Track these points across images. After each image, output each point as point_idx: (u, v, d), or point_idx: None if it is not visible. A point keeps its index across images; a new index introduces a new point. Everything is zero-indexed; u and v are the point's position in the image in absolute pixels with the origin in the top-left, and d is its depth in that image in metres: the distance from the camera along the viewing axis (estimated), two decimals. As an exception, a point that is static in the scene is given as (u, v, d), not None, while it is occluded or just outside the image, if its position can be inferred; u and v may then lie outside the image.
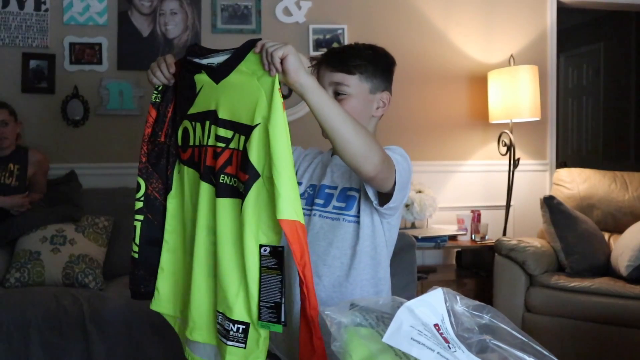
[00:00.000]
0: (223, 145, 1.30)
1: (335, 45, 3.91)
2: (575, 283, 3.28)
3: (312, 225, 1.52)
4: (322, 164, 1.62)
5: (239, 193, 1.26)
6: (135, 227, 1.45)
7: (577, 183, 3.87)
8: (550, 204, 3.53)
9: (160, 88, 1.43)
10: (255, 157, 1.23)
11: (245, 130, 1.26)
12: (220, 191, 1.29)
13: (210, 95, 1.32)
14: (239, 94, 1.27)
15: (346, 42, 3.90)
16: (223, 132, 1.30)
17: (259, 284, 1.23)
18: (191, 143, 1.39)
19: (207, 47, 1.37)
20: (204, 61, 1.33)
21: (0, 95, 3.50)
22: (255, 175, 1.23)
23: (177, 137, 1.42)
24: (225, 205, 1.28)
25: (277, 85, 1.22)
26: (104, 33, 3.74)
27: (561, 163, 5.06)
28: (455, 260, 4.11)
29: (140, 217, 1.44)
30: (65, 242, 3.15)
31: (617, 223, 3.71)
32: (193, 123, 1.38)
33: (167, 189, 1.45)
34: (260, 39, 1.25)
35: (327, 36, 3.92)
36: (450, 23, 4.13)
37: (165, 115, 1.43)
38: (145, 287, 1.47)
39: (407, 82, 3.96)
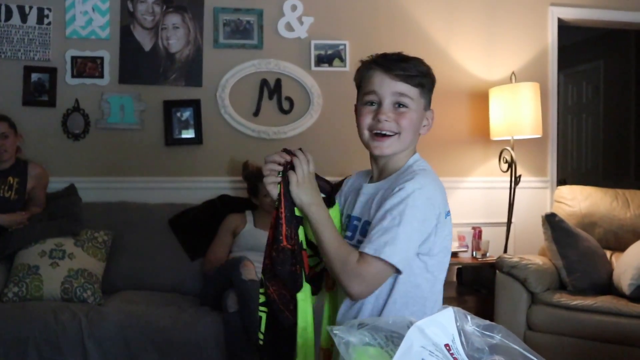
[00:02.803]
0: (310, 253, 1.44)
1: (337, 61, 3.91)
2: (578, 301, 3.26)
3: None
4: (355, 190, 1.56)
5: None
6: (261, 317, 1.46)
7: (579, 200, 3.86)
8: (551, 222, 3.52)
9: (279, 191, 1.41)
10: None
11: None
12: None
13: None
14: None
15: (348, 58, 3.91)
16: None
17: None
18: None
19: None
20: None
21: (1, 108, 3.50)
22: None
23: (300, 239, 1.41)
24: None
25: None
26: (106, 47, 3.74)
27: (561, 180, 5.05)
28: (456, 277, 4.09)
29: (265, 309, 1.46)
30: (64, 256, 3.12)
31: (619, 241, 3.69)
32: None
33: (297, 287, 1.42)
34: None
35: (329, 52, 3.93)
36: (451, 40, 4.14)
37: (279, 217, 1.40)
38: None
39: (408, 98, 3.95)
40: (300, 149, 1.41)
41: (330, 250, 1.36)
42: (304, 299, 1.41)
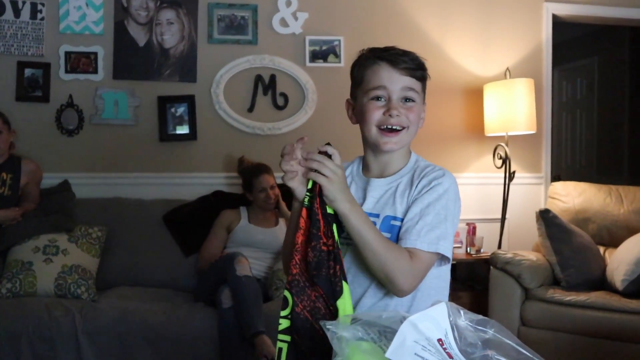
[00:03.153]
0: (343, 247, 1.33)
1: (332, 57, 3.91)
2: (571, 297, 3.27)
3: (355, 257, 1.39)
4: (355, 185, 1.52)
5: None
6: (280, 349, 1.22)
7: (573, 197, 3.87)
8: (545, 218, 3.53)
9: (310, 187, 1.29)
10: None
11: None
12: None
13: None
14: None
15: (343, 54, 3.91)
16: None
17: None
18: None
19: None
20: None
21: (-6, 104, 3.48)
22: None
23: (335, 237, 1.27)
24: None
25: None
26: (100, 42, 3.73)
27: (555, 176, 5.07)
28: (450, 273, 4.09)
29: (286, 338, 1.23)
30: (58, 252, 3.11)
31: (613, 237, 3.70)
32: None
33: (335, 295, 1.23)
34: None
35: (324, 47, 3.92)
36: (446, 36, 4.14)
37: (316, 214, 1.26)
38: None
39: (403, 94, 3.95)
40: (328, 145, 1.33)
41: (380, 250, 1.29)
42: (343, 310, 1.22)
